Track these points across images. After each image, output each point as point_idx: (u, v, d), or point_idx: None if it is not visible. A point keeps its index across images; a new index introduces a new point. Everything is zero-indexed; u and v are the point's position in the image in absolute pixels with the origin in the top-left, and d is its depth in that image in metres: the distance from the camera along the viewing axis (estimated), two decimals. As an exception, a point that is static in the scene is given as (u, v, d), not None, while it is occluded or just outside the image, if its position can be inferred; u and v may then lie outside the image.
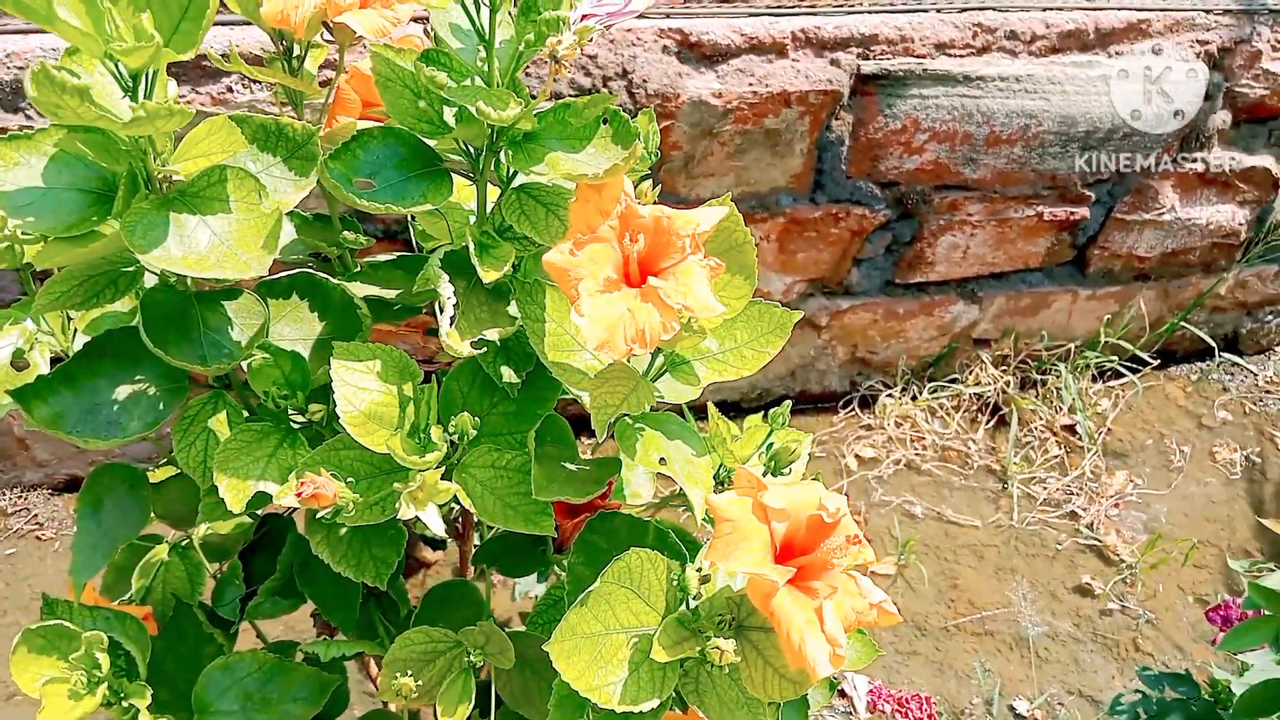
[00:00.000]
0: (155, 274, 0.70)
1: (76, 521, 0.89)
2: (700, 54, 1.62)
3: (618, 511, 0.75)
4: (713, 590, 0.65)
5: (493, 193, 0.67)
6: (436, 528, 0.60)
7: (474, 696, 0.74)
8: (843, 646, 0.60)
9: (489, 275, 0.62)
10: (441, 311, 0.63)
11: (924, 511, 1.98)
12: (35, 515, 1.79)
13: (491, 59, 0.61)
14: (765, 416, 0.79)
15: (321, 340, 0.76)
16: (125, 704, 0.81)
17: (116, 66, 0.58)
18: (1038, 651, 1.77)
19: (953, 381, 2.21)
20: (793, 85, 1.66)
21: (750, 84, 1.65)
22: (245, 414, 0.77)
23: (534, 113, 0.62)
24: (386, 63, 0.60)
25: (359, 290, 0.76)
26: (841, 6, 1.74)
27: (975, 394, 2.20)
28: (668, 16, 1.64)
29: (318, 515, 0.66)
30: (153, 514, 0.98)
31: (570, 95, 1.60)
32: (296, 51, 0.76)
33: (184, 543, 1.07)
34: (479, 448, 0.69)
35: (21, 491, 1.81)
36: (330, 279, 0.77)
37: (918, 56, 1.72)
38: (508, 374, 0.71)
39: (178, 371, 0.76)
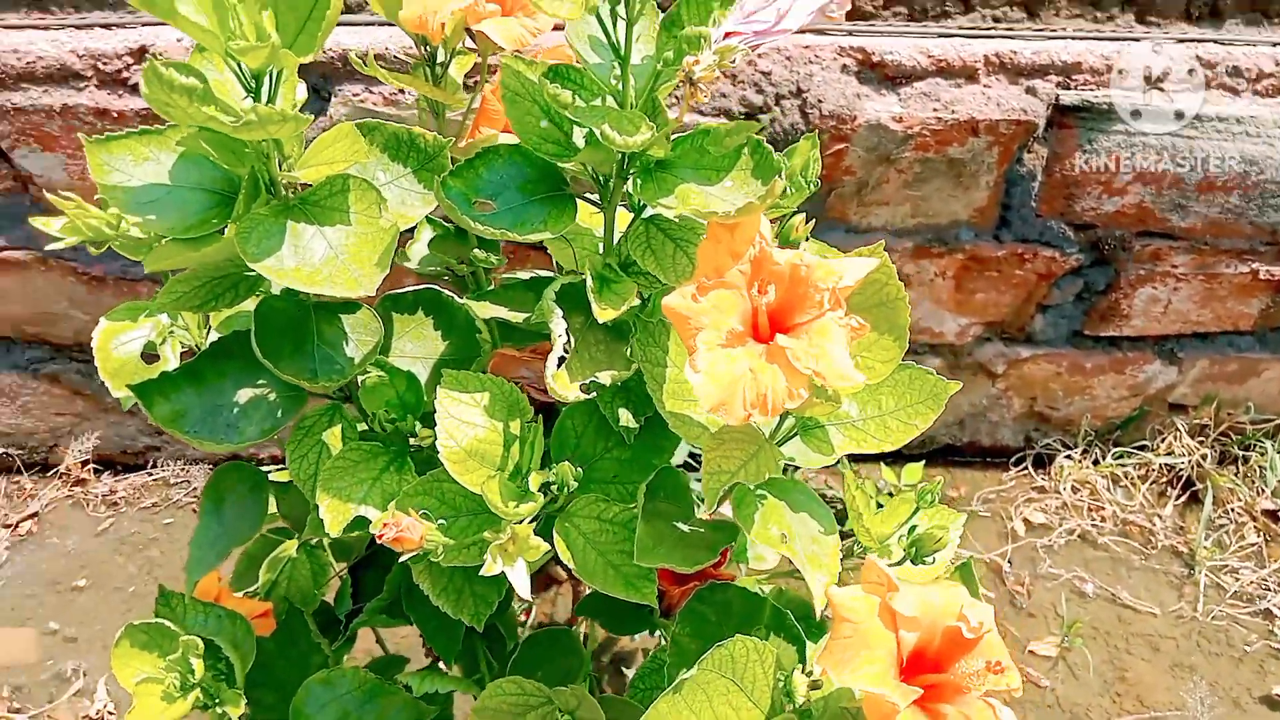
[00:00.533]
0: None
1: (199, 517, 0.89)
2: (882, 75, 1.53)
3: (731, 584, 0.68)
4: (826, 693, 0.57)
5: (624, 219, 0.62)
6: (522, 589, 0.55)
7: (561, 760, 0.68)
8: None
9: (604, 314, 0.57)
10: (552, 349, 0.58)
11: (1096, 590, 1.81)
12: (195, 488, 1.86)
13: (626, 76, 0.55)
14: (925, 465, 0.70)
15: (442, 360, 0.72)
16: (219, 710, 0.80)
17: (240, 66, 0.56)
18: (1215, 763, 1.58)
19: (1141, 448, 2.02)
20: (982, 113, 1.54)
21: (935, 109, 1.54)
22: (361, 429, 0.75)
23: (672, 138, 0.56)
24: (516, 75, 0.55)
25: (484, 311, 0.72)
26: (1043, 31, 1.62)
27: (1166, 464, 2.00)
28: (850, 34, 1.56)
29: (451, 561, 0.62)
30: (277, 513, 0.97)
31: (740, 113, 1.54)
32: (440, 58, 0.73)
33: (313, 541, 1.07)
34: (586, 495, 0.64)
35: (185, 464, 1.89)
36: (456, 298, 0.73)
37: (1127, 90, 1.58)
38: (625, 417, 0.66)
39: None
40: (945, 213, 1.68)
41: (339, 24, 1.43)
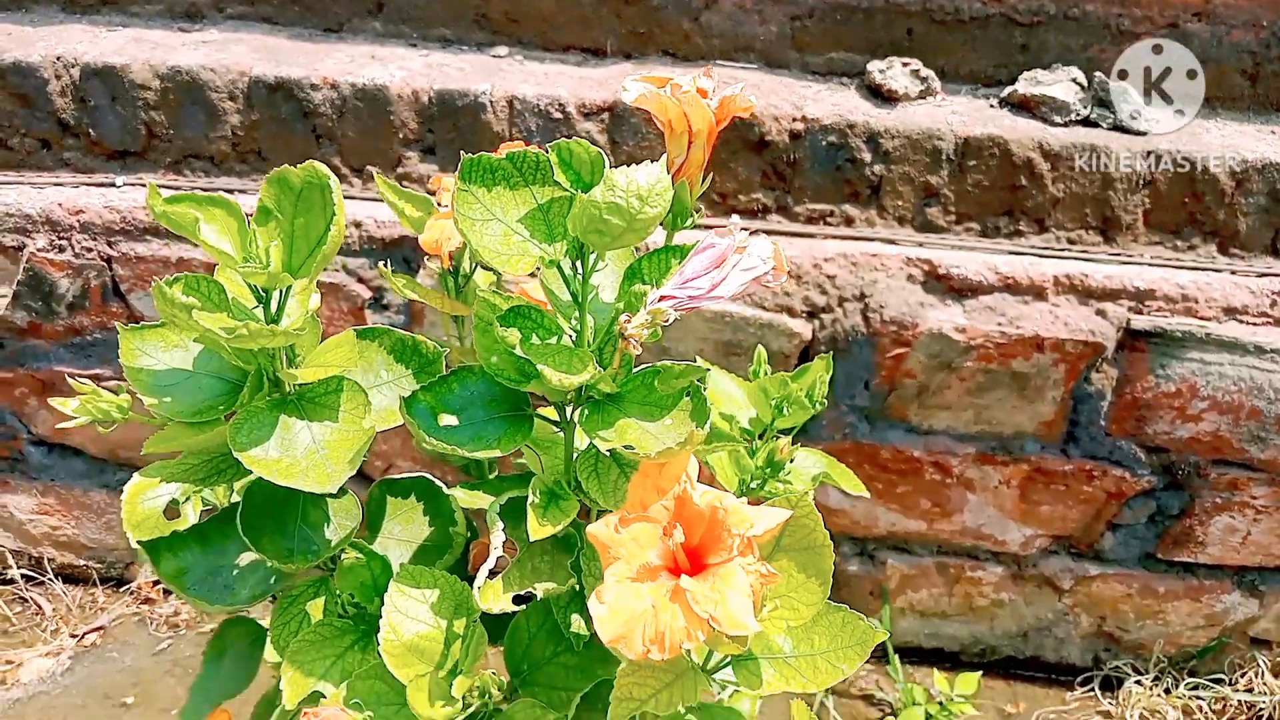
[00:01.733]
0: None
1: (202, 665, 0.94)
2: (948, 287, 1.56)
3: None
4: None
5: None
6: (432, 794, 0.57)
7: None
8: None
9: (540, 532, 0.60)
10: (485, 562, 0.61)
11: (1157, 832, 1.69)
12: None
13: (584, 319, 0.60)
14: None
15: (423, 546, 0.77)
16: None
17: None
18: None
19: (1218, 681, 1.90)
20: (1048, 331, 1.55)
21: (999, 324, 1.55)
22: (343, 607, 0.79)
23: (627, 374, 0.60)
24: (487, 306, 0.61)
25: (465, 501, 0.76)
26: (1118, 255, 1.63)
27: (1245, 701, 1.87)
28: (920, 245, 1.60)
29: None
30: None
31: (803, 311, 1.58)
32: (465, 271, 0.80)
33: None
34: (525, 700, 0.66)
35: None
36: (445, 489, 0.78)
37: (1201, 318, 1.56)
38: (577, 623, 0.68)
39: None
40: (1009, 423, 1.67)
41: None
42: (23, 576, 1.95)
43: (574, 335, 0.60)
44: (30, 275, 1.60)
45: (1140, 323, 1.56)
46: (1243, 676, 1.89)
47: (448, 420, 0.61)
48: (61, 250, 1.58)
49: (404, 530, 0.78)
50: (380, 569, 0.73)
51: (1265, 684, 1.86)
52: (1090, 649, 1.95)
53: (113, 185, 1.57)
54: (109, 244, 1.57)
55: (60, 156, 1.60)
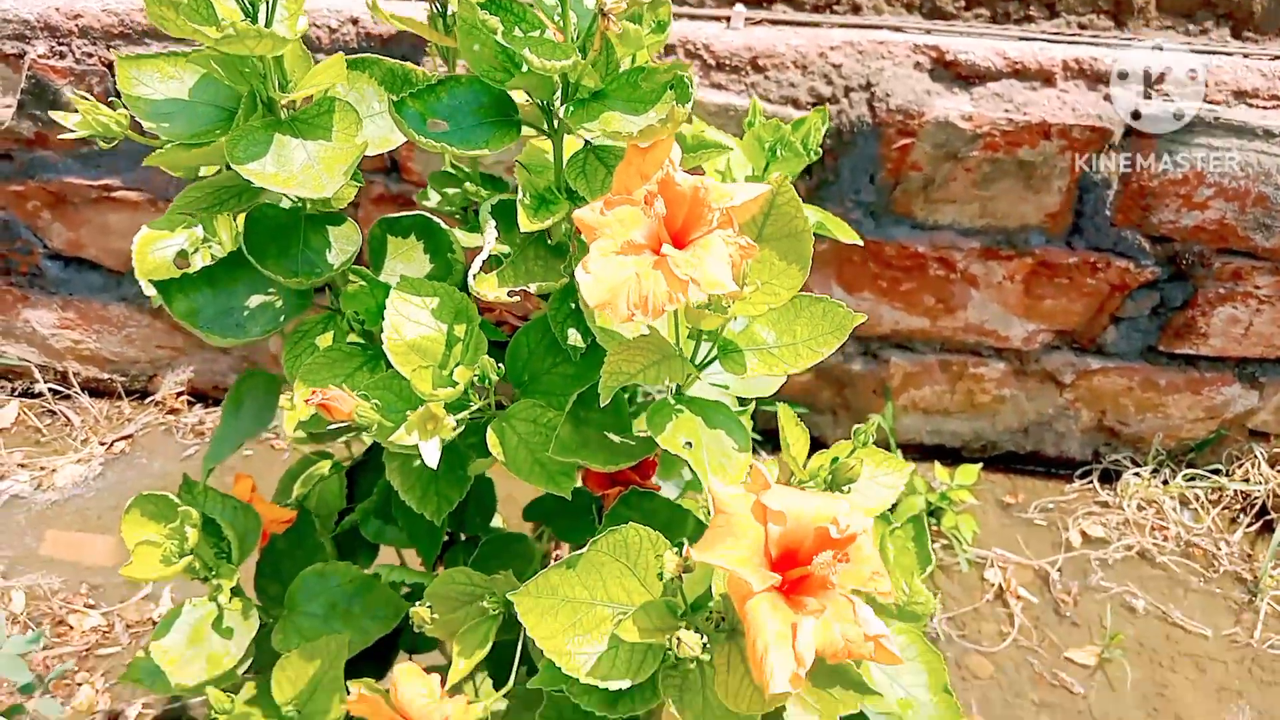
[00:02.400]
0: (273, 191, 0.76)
1: (222, 415, 0.98)
2: (955, 74, 1.54)
3: (658, 494, 0.72)
4: (707, 583, 0.62)
5: (573, 147, 0.67)
6: (431, 461, 0.61)
7: (489, 644, 0.74)
8: (806, 667, 0.55)
9: (528, 224, 0.62)
10: (480, 254, 0.64)
11: (1147, 607, 1.77)
12: (277, 426, 2.00)
13: (566, 12, 0.60)
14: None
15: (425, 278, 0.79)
16: (214, 581, 0.89)
17: (237, -9, 0.64)
18: (1247, 793, 1.53)
19: (1215, 472, 1.95)
20: (1055, 117, 1.53)
21: (1006, 111, 1.54)
22: (350, 339, 0.82)
23: (613, 73, 0.61)
24: (467, 7, 0.61)
25: (465, 240, 0.78)
26: (1130, 40, 1.60)
27: (1240, 491, 1.93)
28: (927, 33, 1.57)
29: (380, 437, 0.69)
30: (301, 431, 1.07)
31: (808, 102, 1.57)
32: (451, 9, 0.80)
33: (345, 462, 1.16)
34: (526, 401, 0.70)
35: (270, 405, 2.03)
36: (443, 225, 0.80)
37: (1211, 102, 1.54)
38: (573, 337, 0.71)
39: (303, 290, 0.82)
40: (1015, 215, 1.67)
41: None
42: (50, 390, 2.01)
43: (558, 31, 0.61)
44: (33, 83, 1.60)
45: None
46: (1240, 468, 1.95)
47: (437, 125, 0.63)
48: (62, 56, 1.58)
49: (405, 267, 0.81)
50: (383, 295, 0.75)
51: (1261, 474, 1.91)
52: (1090, 443, 2.00)
53: (107, -16, 1.55)
54: (108, 48, 1.56)
55: (52, -45, 1.57)
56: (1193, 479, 1.95)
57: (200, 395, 2.03)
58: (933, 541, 1.86)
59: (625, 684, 0.61)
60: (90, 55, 1.60)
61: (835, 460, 0.70)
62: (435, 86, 0.65)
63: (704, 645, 0.58)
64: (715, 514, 0.58)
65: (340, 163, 0.66)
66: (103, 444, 1.93)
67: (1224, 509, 1.93)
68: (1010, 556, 1.85)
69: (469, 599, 0.77)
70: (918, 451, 2.01)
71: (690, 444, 0.63)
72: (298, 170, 0.66)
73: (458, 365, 0.64)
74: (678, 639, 0.57)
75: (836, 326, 0.63)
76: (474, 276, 0.65)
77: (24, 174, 1.74)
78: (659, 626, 0.60)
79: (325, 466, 1.16)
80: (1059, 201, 1.64)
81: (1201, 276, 1.72)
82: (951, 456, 2.02)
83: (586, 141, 0.66)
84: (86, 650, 1.62)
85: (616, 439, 0.69)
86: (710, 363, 0.67)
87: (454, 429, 0.61)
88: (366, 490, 0.97)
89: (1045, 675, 1.67)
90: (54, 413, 2.00)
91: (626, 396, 0.74)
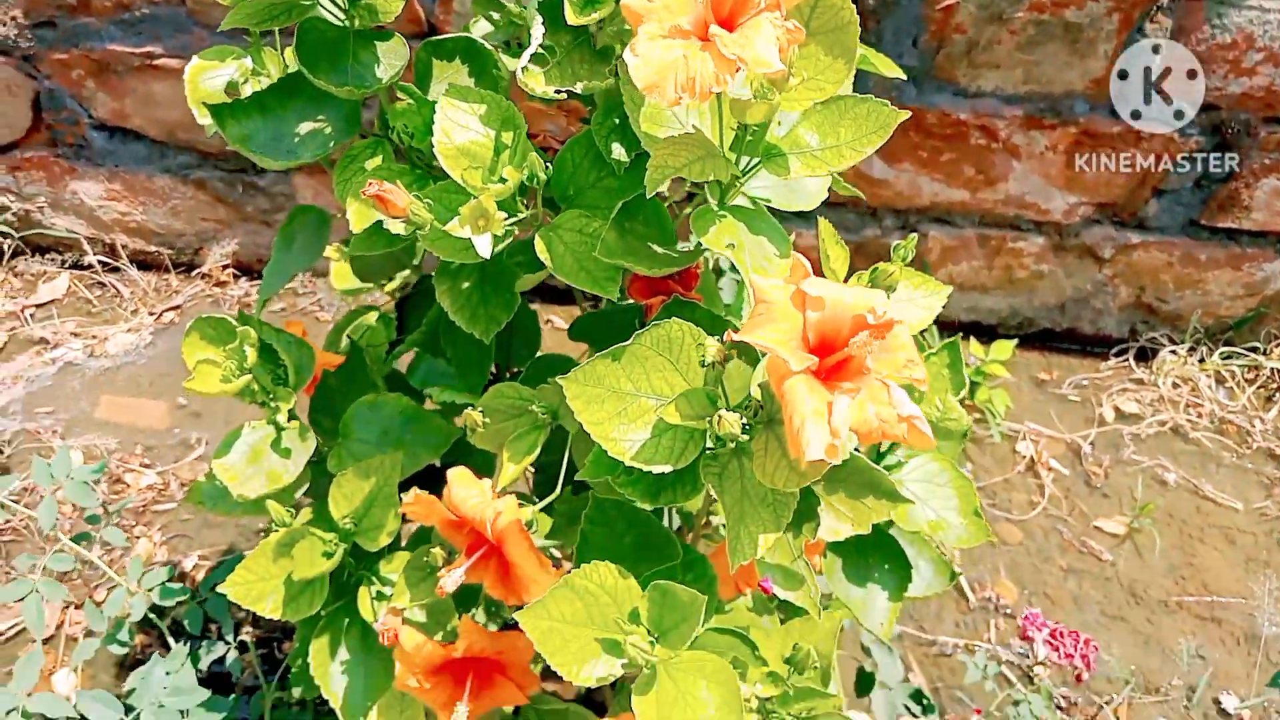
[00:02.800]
0: (324, 8, 0.77)
1: (273, 252, 1.00)
2: (1002, -72, 1.50)
3: (700, 305, 0.74)
4: (746, 379, 0.64)
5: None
6: (484, 251, 0.63)
7: (537, 451, 0.77)
8: (842, 440, 0.57)
9: (575, 19, 0.63)
10: (526, 51, 0.65)
11: (1178, 480, 1.79)
12: (319, 299, 2.04)
13: None
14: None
15: (470, 94, 0.80)
16: (272, 404, 0.93)
17: None
18: (1269, 654, 1.56)
19: (1252, 350, 1.95)
20: (1104, -26, 1.50)
21: (1054, -33, 1.51)
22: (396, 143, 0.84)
23: None
24: None
25: (510, 63, 0.79)
26: (1185, -108, 1.54)
27: (1277, 369, 1.93)
28: (974, -115, 1.53)
29: (431, 239, 0.70)
30: (352, 271, 1.09)
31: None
32: None
33: (390, 313, 1.19)
34: (571, 212, 0.71)
35: (312, 276, 2.07)
36: (488, 46, 0.81)
37: (1266, -43, 1.50)
38: (617, 151, 0.72)
39: (353, 116, 0.83)
40: (1059, 81, 1.64)
41: None
42: (99, 263, 2.06)
43: None
44: (73, -56, 1.61)
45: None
46: (1277, 346, 1.94)
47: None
48: (101, -85, 1.57)
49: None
50: (430, 112, 0.76)
51: (1299, 351, 1.90)
52: (1127, 321, 1.99)
53: None
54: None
55: None
56: (1229, 357, 1.95)
57: (245, 269, 2.06)
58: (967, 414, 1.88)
59: (668, 469, 0.63)
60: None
61: (874, 270, 0.71)
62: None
63: (743, 426, 0.61)
64: (756, 303, 0.60)
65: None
66: (152, 314, 1.98)
67: (1260, 387, 1.93)
68: (1043, 430, 1.87)
69: (518, 411, 0.80)
70: (954, 328, 2.02)
71: (733, 245, 0.65)
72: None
73: (506, 167, 0.66)
74: (719, 417, 0.60)
75: (880, 125, 0.64)
76: (522, 70, 0.66)
77: (67, 42, 1.75)
78: (700, 413, 0.62)
79: (372, 317, 1.19)
80: (1104, 67, 1.61)
81: (1247, 147, 1.69)
82: (987, 333, 2.02)
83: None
84: (143, 506, 1.68)
85: (660, 250, 0.71)
86: (753, 171, 0.68)
87: (504, 225, 0.63)
88: (414, 324, 0.99)
89: (1074, 543, 1.70)
90: (103, 284, 2.05)
91: (669, 206, 0.75)
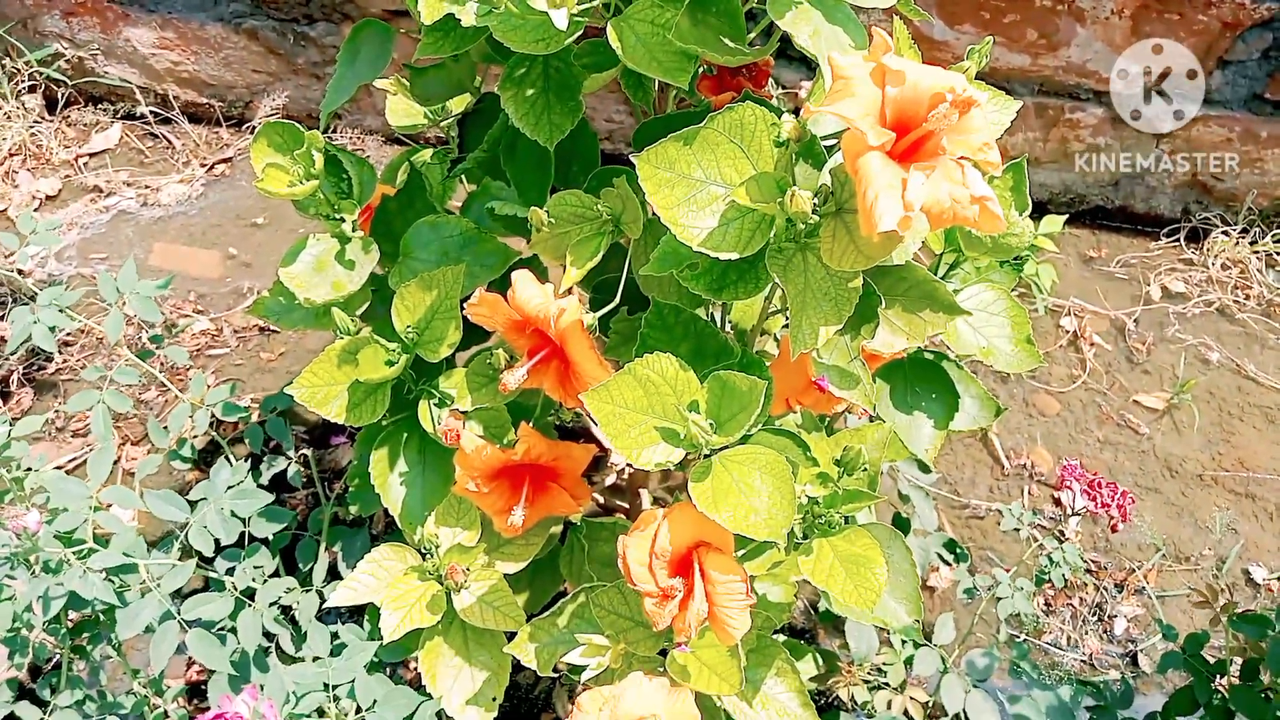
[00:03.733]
0: None
1: (338, 66, 1.01)
2: None
3: (770, 102, 0.74)
4: (814, 180, 0.64)
5: None
6: (560, 23, 0.63)
7: (599, 256, 0.78)
8: (916, 213, 0.58)
9: None
10: None
11: (1221, 359, 1.78)
12: (369, 155, 2.04)
13: None
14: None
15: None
16: (336, 215, 0.94)
17: None
18: (1302, 527, 1.58)
19: (1308, 233, 1.92)
20: None
21: None
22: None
23: None
24: None
25: None
26: None
27: (1331, 253, 1.90)
28: None
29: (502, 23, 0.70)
30: (412, 94, 1.09)
31: None
32: None
33: (445, 149, 1.19)
34: (642, 0, 0.71)
35: (361, 134, 2.07)
36: None
37: None
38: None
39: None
40: (1130, -59, 1.59)
41: None
42: (151, 113, 2.07)
43: None
44: None
45: None
46: (1334, 230, 1.90)
47: None
48: None
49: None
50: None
51: (1356, 236, 1.87)
52: (1181, 200, 1.96)
53: None
54: None
55: None
56: (1282, 240, 1.92)
57: (295, 122, 2.06)
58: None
59: (734, 256, 0.64)
60: None
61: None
62: None
63: (814, 206, 0.61)
64: (834, 80, 0.60)
65: None
66: (203, 165, 2.00)
67: (1313, 271, 1.90)
68: (1088, 306, 1.86)
69: (580, 218, 0.81)
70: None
71: (815, 33, 0.65)
72: None
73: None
74: (792, 194, 0.60)
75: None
76: None
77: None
78: (771, 197, 0.63)
79: (427, 154, 1.19)
80: (1180, -73, 1.56)
81: (1323, 16, 1.64)
82: (1038, 209, 2.00)
83: None
84: (198, 350, 1.73)
85: (730, 43, 0.71)
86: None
87: (578, 3, 0.63)
88: (475, 142, 1.00)
89: (1113, 416, 1.71)
90: (155, 135, 2.06)
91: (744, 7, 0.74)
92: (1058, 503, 1.55)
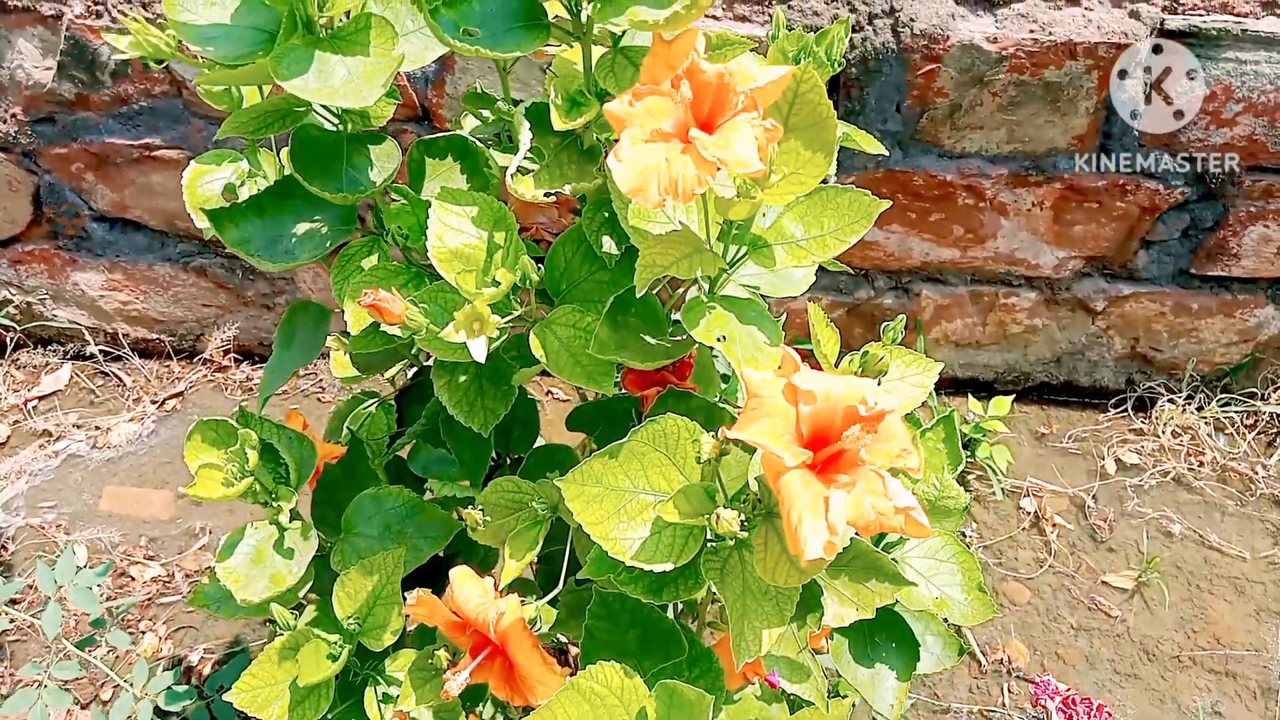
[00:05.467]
0: (318, 113, 0.79)
1: (274, 348, 1.01)
2: (978, -3, 1.54)
3: (695, 394, 0.75)
4: (744, 469, 0.64)
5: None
6: (479, 355, 0.64)
7: (538, 546, 0.77)
8: (839, 536, 0.57)
9: (561, 124, 0.64)
10: (515, 157, 0.66)
11: (1184, 531, 1.78)
12: (321, 380, 2.04)
13: (587, -88, 0.62)
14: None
15: (462, 196, 0.82)
16: (274, 504, 0.93)
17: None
18: (1287, 705, 1.55)
19: (1250, 396, 1.95)
20: (1080, 35, 1.53)
21: (1031, 30, 1.53)
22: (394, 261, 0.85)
23: (639, -24, 0.63)
24: (498, -85, 0.63)
25: (501, 160, 0.81)
26: (1155, -45, 1.58)
27: (1276, 414, 1.93)
28: (949, -44, 1.57)
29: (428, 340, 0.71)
30: (352, 363, 1.10)
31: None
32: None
33: (390, 400, 1.19)
34: (565, 307, 0.72)
35: (315, 360, 2.08)
36: (479, 144, 0.83)
37: (1237, 15, 1.53)
38: (608, 244, 0.73)
39: (348, 215, 0.85)
40: (1042, 140, 1.67)
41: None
42: (101, 352, 2.07)
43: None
44: (72, 44, 1.64)
45: (1175, 23, 1.53)
46: (1275, 391, 1.94)
47: (471, 31, 0.65)
48: (99, 15, 1.61)
49: (443, 185, 0.83)
50: (424, 212, 0.78)
51: (1297, 395, 1.91)
52: (1123, 371, 2.00)
53: (138, -56, 1.58)
54: (144, 5, 1.59)
55: (83, -82, 1.60)
56: (1227, 404, 1.95)
57: (246, 353, 2.07)
58: (967, 473, 1.88)
59: (668, 566, 0.64)
60: (126, 13, 1.63)
61: (865, 354, 0.72)
62: (468, -5, 0.67)
63: (742, 523, 0.61)
64: (749, 398, 0.60)
65: (379, 75, 0.68)
66: (154, 402, 1.99)
67: (1259, 433, 1.93)
68: (1045, 485, 1.86)
69: (518, 506, 0.81)
70: (951, 385, 2.02)
71: (724, 337, 0.66)
72: (339, 84, 0.68)
73: (499, 269, 0.67)
74: (717, 516, 0.60)
75: (863, 214, 0.65)
76: (511, 176, 0.67)
77: (66, 136, 1.78)
78: (699, 510, 0.63)
79: (373, 406, 1.19)
80: (1086, 123, 1.64)
81: (1232, 196, 1.71)
82: (985, 389, 2.03)
83: (614, 43, 0.68)
84: (149, 600, 1.68)
85: (653, 341, 0.72)
86: (740, 261, 0.69)
87: (499, 326, 0.64)
88: (415, 416, 1.00)
89: (1083, 600, 1.69)
90: (106, 374, 2.06)
91: (659, 299, 0.76)
92: (1039, 703, 1.51)
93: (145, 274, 1.96)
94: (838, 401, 0.60)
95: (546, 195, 0.67)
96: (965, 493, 0.82)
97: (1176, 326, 1.90)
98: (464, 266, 0.68)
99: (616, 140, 0.59)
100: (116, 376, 2.06)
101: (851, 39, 1.58)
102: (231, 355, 2.05)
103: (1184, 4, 1.53)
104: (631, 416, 0.86)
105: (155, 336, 2.07)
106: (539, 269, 0.68)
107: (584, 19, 0.66)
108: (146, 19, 0.73)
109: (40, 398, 2.01)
